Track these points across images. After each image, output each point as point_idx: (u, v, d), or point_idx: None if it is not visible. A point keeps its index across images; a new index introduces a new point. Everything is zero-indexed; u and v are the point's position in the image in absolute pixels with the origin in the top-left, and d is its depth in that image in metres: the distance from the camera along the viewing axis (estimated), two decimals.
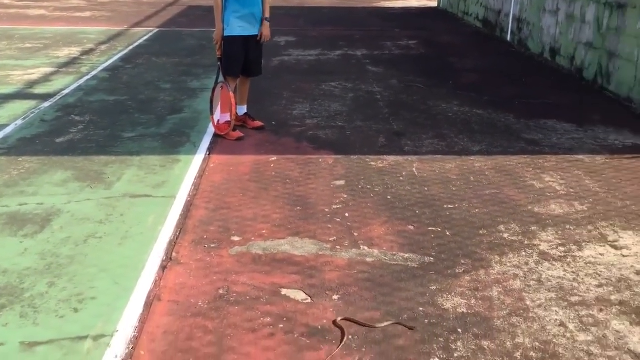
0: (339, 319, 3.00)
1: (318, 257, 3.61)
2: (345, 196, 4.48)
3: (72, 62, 8.82)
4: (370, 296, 3.23)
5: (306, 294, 3.25)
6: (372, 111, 6.63)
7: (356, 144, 5.60)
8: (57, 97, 6.94)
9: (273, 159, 5.21)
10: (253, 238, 3.83)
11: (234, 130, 5.67)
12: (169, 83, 7.74)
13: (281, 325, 2.97)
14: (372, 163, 5.14)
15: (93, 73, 8.15)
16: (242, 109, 5.97)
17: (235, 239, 3.82)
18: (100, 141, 5.52)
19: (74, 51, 9.56)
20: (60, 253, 3.58)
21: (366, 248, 3.73)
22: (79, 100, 6.85)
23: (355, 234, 3.90)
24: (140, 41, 10.63)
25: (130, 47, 10.03)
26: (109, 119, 6.18)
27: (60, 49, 9.73)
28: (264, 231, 3.92)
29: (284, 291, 3.27)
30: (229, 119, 5.66)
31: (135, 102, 6.83)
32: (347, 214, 4.18)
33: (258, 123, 6.00)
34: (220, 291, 3.25)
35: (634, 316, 3.07)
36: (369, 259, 3.60)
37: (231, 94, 5.53)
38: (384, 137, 5.79)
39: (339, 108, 6.73)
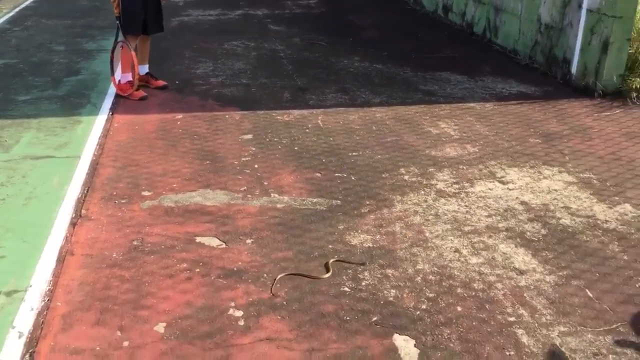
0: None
1: (230, 206, 3.72)
2: (254, 149, 4.58)
3: None
4: (283, 238, 3.39)
5: (220, 240, 3.35)
6: (276, 68, 6.71)
7: (262, 99, 5.69)
8: None
9: (179, 116, 5.20)
10: (164, 192, 3.86)
11: (137, 89, 5.58)
12: (63, 45, 7.41)
13: (197, 270, 3.07)
14: (279, 117, 5.25)
15: None
16: (144, 69, 5.87)
17: (146, 193, 3.84)
18: None
19: None
20: None
21: (276, 195, 3.87)
22: None
23: (265, 183, 4.03)
24: (27, 3, 10.02)
25: (17, 9, 9.44)
26: (0, 83, 5.87)
27: None
28: (175, 185, 3.96)
29: (198, 239, 3.35)
30: (131, 79, 5.55)
31: (28, 65, 6.51)
32: (256, 165, 4.29)
33: (161, 82, 5.92)
34: (135, 242, 3.29)
35: (518, 239, 3.43)
36: (279, 205, 3.75)
37: (132, 53, 5.42)
38: (289, 93, 5.90)
39: (242, 66, 6.75)
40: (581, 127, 5.13)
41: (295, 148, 4.61)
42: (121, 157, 4.37)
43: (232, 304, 2.82)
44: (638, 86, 5.64)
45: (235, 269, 3.09)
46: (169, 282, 2.96)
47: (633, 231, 3.53)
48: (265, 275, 3.04)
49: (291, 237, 3.41)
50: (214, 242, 3.33)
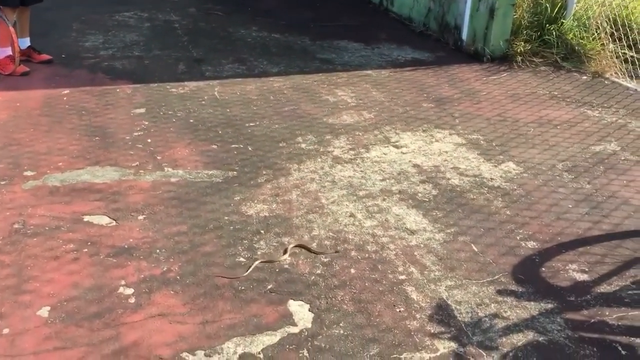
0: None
1: (121, 183, 3.58)
2: (147, 123, 4.43)
3: None
4: (177, 212, 3.32)
5: (110, 217, 3.23)
6: (171, 40, 6.48)
7: (155, 72, 5.49)
8: None
9: (65, 92, 4.92)
10: (48, 171, 3.66)
11: (19, 65, 5.22)
12: None
13: (85, 250, 2.95)
14: (173, 90, 5.10)
15: None
16: (25, 42, 5.49)
17: (29, 173, 3.62)
18: None
19: None
20: None
21: (170, 169, 3.77)
22: None
23: (159, 158, 3.91)
24: None
25: None
26: None
27: None
28: (61, 163, 3.76)
29: (86, 218, 3.21)
30: (11, 54, 5.19)
31: None
32: (149, 140, 4.15)
33: (45, 56, 5.57)
34: (16, 225, 3.11)
35: (410, 201, 3.54)
36: (173, 179, 3.66)
37: (11, 28, 5.05)
38: (184, 64, 5.73)
39: (135, 38, 6.47)
40: (471, 90, 5.33)
41: (191, 121, 4.50)
42: (1, 136, 4.09)
43: (123, 282, 2.73)
44: (522, 50, 5.93)
45: (126, 246, 3.00)
46: (54, 265, 2.83)
47: (515, 187, 3.73)
48: (158, 251, 2.97)
49: (185, 210, 3.34)
50: (104, 220, 3.21)
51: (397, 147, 4.23)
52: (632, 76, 5.58)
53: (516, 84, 5.50)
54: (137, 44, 6.26)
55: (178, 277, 2.79)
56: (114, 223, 3.19)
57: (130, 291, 2.68)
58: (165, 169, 3.77)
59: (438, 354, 2.41)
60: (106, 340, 2.40)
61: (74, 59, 5.71)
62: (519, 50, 5.93)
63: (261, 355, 2.36)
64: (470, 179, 3.82)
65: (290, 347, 2.41)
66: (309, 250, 3.03)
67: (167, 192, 3.51)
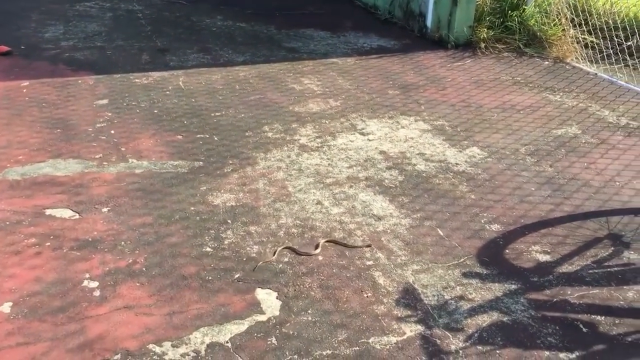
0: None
1: (84, 175, 3.52)
2: (110, 114, 4.35)
3: None
4: (142, 204, 3.28)
5: (73, 210, 3.17)
6: (134, 29, 6.37)
7: (118, 62, 5.39)
8: None
9: (25, 84, 4.81)
10: (8, 165, 3.58)
11: None
12: None
13: (48, 244, 2.89)
14: (137, 80, 5.02)
15: None
16: None
17: None
18: None
19: None
20: None
21: (135, 160, 3.72)
22: None
23: (123, 149, 3.85)
24: None
25: None
26: None
27: None
28: (21, 157, 3.68)
29: (48, 211, 3.15)
30: None
31: None
32: (112, 131, 4.09)
33: (4, 47, 5.43)
34: None
35: (377, 187, 3.56)
36: (138, 170, 3.61)
37: None
38: (148, 55, 5.64)
39: (97, 28, 6.34)
40: (436, 77, 5.37)
41: (155, 111, 4.44)
42: None
43: (87, 276, 2.69)
44: (485, 36, 5.99)
45: (90, 239, 2.95)
46: (16, 260, 2.77)
47: (480, 172, 3.78)
48: (123, 243, 2.93)
49: (151, 202, 3.30)
50: (67, 213, 3.15)
51: (363, 134, 4.24)
52: (592, 61, 5.69)
53: (480, 70, 5.56)
54: (99, 35, 6.14)
55: (144, 269, 2.76)
56: (77, 216, 3.14)
57: (94, 284, 2.64)
58: (130, 160, 3.72)
59: (405, 337, 2.43)
60: (70, 335, 2.36)
61: (33, 50, 5.58)
62: (482, 36, 5.99)
63: (229, 344, 2.36)
64: (435, 164, 3.85)
65: (259, 335, 2.41)
66: (344, 245, 2.99)
67: (131, 183, 3.47)
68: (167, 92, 4.80)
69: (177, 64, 5.45)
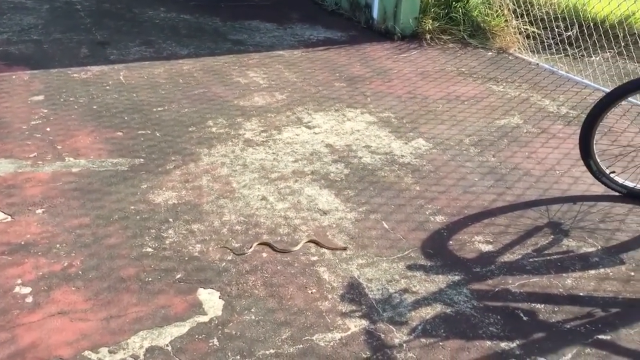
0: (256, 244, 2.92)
1: (17, 175, 3.37)
2: (46, 111, 4.18)
3: None
4: (78, 204, 3.16)
5: (5, 213, 3.03)
6: (72, 22, 6.16)
7: (55, 57, 5.19)
8: None
9: None
10: None
11: None
12: None
13: None
14: (75, 75, 4.84)
15: None
16: None
17: None
18: None
19: None
20: None
21: (72, 159, 3.59)
22: None
23: (59, 147, 3.71)
24: None
25: None
26: None
27: None
28: None
29: None
30: None
31: None
32: (48, 129, 3.93)
33: None
34: None
35: (322, 181, 3.53)
36: (75, 169, 3.48)
37: None
38: (87, 48, 5.46)
39: (32, 21, 6.09)
40: (382, 69, 5.38)
41: (94, 107, 4.29)
42: None
43: (19, 281, 2.57)
44: (431, 28, 6.03)
45: (22, 242, 2.82)
46: None
47: (425, 163, 3.80)
48: (58, 246, 2.82)
49: (88, 202, 3.18)
50: None
51: (309, 127, 4.20)
52: (534, 51, 5.80)
53: (426, 62, 5.60)
54: (35, 27, 5.90)
55: (80, 272, 2.66)
56: (9, 218, 3.00)
57: (27, 290, 2.53)
58: (66, 159, 3.58)
59: (349, 332, 2.42)
60: (1, 345, 2.25)
61: None
62: (427, 28, 6.03)
63: (169, 348, 2.29)
64: (381, 156, 3.85)
65: (200, 337, 2.35)
66: (322, 246, 2.93)
67: (68, 183, 3.34)
68: (107, 87, 4.64)
69: (118, 57, 5.28)
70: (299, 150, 3.87)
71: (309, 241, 2.96)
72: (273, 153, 3.82)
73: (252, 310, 2.51)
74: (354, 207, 3.29)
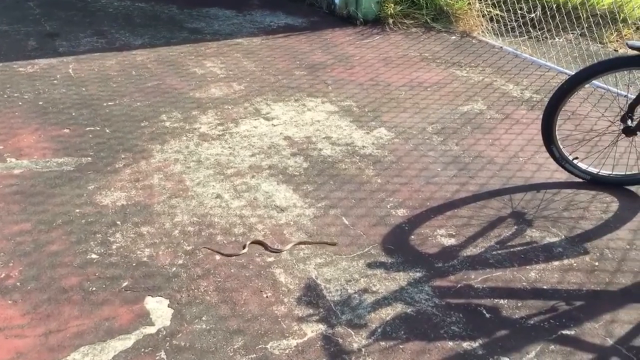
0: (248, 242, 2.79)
1: None
2: None
3: None
4: (19, 209, 2.97)
5: None
6: (20, 13, 5.87)
7: (0, 50, 4.93)
8: None
9: None
10: None
11: None
12: None
13: None
14: (21, 69, 4.60)
15: None
16: None
17: None
18: None
19: None
20: None
21: (13, 160, 3.38)
22: None
23: (0, 147, 3.50)
24: None
25: None
26: None
27: None
28: None
29: None
30: None
31: None
32: None
33: None
34: None
35: (280, 176, 3.39)
36: (16, 171, 3.28)
37: None
38: (35, 40, 5.20)
39: None
40: (344, 55, 5.24)
41: (40, 103, 4.08)
42: None
43: None
44: (393, 12, 5.89)
45: None
46: None
47: (386, 154, 3.68)
48: (2, 254, 2.64)
49: (30, 206, 3.00)
50: None
51: (268, 119, 4.05)
52: (497, 34, 5.72)
53: (388, 47, 5.47)
54: None
55: (18, 284, 2.49)
56: None
57: None
58: (8, 159, 3.38)
59: (306, 338, 2.30)
60: None
61: None
62: (390, 12, 5.90)
63: None
64: (342, 148, 3.72)
65: (146, 350, 2.21)
66: (310, 243, 2.83)
67: (8, 186, 3.14)
68: (55, 82, 4.42)
69: (67, 49, 5.05)
70: (256, 144, 3.72)
71: (298, 243, 2.82)
72: (229, 147, 3.66)
73: (203, 318, 2.37)
74: (312, 202, 3.16)
